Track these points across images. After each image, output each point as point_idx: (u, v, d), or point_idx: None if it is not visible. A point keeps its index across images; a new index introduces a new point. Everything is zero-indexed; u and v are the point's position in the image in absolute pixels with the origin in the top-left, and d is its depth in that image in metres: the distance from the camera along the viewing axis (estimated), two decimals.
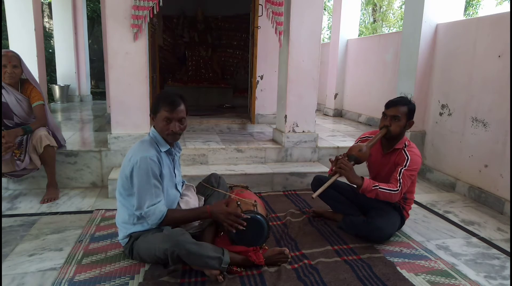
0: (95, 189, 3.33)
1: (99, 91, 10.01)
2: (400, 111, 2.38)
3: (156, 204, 1.92)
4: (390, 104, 2.43)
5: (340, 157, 2.35)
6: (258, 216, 2.10)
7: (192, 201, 2.19)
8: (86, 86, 7.94)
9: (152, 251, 1.92)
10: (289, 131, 3.82)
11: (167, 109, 1.97)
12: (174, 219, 1.97)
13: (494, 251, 2.40)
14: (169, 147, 2.07)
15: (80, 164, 3.35)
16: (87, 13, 8.58)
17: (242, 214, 2.00)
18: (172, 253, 1.81)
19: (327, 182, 2.29)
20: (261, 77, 5.21)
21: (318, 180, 2.75)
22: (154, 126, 2.06)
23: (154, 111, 2.03)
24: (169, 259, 1.85)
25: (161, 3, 3.24)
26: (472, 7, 14.16)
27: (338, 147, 3.96)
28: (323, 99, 6.90)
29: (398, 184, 2.28)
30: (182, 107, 2.00)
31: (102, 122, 5.02)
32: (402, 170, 2.32)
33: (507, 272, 2.15)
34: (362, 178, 2.29)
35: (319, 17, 3.72)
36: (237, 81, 7.56)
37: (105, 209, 2.84)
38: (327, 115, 6.70)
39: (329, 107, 6.73)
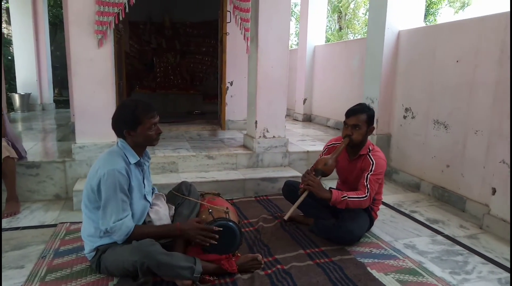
0: (59, 202, 3.19)
1: (62, 99, 9.65)
2: (360, 119, 2.44)
3: (123, 219, 1.86)
4: (349, 113, 2.49)
5: (307, 172, 2.40)
6: (230, 224, 2.08)
7: (162, 210, 2.14)
8: (48, 94, 7.63)
9: (121, 264, 1.86)
10: (260, 136, 3.83)
11: (150, 115, 1.96)
12: (142, 235, 1.90)
13: (458, 247, 2.51)
14: (139, 158, 2.03)
15: (42, 176, 3.21)
16: (49, 19, 8.27)
17: (213, 228, 1.97)
18: (141, 265, 1.76)
19: (297, 201, 2.35)
20: (231, 83, 5.21)
21: (289, 185, 2.79)
22: (131, 140, 1.98)
23: (132, 126, 1.93)
24: (139, 271, 1.79)
25: (127, 9, 3.18)
26: (431, 15, 14.84)
27: (308, 151, 4.01)
28: (292, 104, 6.99)
29: (366, 190, 2.35)
30: None
31: (66, 132, 4.84)
32: (369, 175, 2.38)
33: (470, 267, 2.25)
34: (331, 191, 2.34)
35: (287, 24, 3.78)
36: (206, 87, 7.54)
37: (70, 222, 2.72)
38: (297, 120, 6.79)
39: (299, 112, 6.82)
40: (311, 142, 4.59)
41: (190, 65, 7.67)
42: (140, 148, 2.04)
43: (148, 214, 2.10)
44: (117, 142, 2.03)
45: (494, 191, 2.76)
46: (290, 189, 2.75)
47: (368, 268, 2.17)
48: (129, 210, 1.92)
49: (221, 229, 1.99)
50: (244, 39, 3.84)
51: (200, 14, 7.35)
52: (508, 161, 2.63)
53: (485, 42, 3.00)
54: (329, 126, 6.02)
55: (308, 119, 6.71)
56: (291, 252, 2.33)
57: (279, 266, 2.15)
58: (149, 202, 2.12)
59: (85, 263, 2.13)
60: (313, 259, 2.26)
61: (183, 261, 1.84)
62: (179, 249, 2.01)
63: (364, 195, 2.34)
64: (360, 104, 2.57)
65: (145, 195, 2.09)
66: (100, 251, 1.98)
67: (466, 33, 3.20)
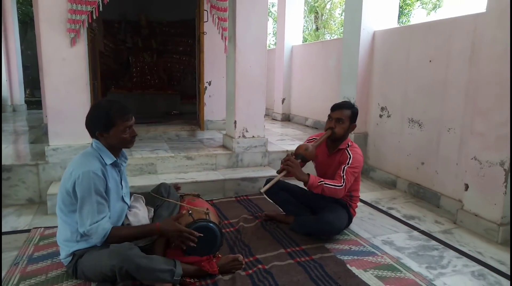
0: (32, 206, 3.08)
1: (34, 100, 9.31)
2: (344, 114, 2.52)
3: (99, 221, 1.81)
4: (335, 107, 2.57)
5: (288, 155, 2.44)
6: (211, 225, 2.07)
7: (141, 213, 2.10)
8: (19, 95, 7.36)
9: (98, 268, 1.81)
10: (239, 136, 3.82)
11: (126, 118, 1.90)
12: (120, 236, 1.86)
13: (434, 242, 2.58)
14: (115, 159, 1.98)
15: (14, 180, 3.09)
16: (18, 17, 7.97)
17: (194, 232, 1.94)
18: (120, 269, 1.72)
19: (275, 178, 2.37)
20: (209, 83, 5.18)
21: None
22: (105, 142, 1.93)
23: (105, 128, 1.88)
24: (117, 276, 1.75)
25: (100, 8, 3.10)
26: (404, 16, 15.21)
27: (287, 150, 4.03)
28: (271, 104, 7.02)
29: (342, 180, 2.40)
30: None
31: (39, 133, 4.68)
32: (345, 167, 2.44)
33: (445, 261, 2.32)
34: (308, 174, 2.39)
35: (264, 23, 3.78)
36: (184, 87, 7.45)
37: (44, 227, 2.63)
38: (276, 120, 6.82)
39: (277, 112, 6.85)
40: (290, 141, 4.62)
41: (167, 64, 7.56)
42: (115, 150, 1.99)
43: (126, 216, 2.06)
44: (92, 143, 1.98)
45: (466, 187, 2.85)
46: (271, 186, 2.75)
47: (348, 265, 2.20)
48: (106, 212, 1.87)
49: (202, 235, 1.97)
50: (222, 38, 3.82)
51: (177, 13, 7.26)
52: (481, 158, 2.73)
53: (456, 42, 3.10)
54: (307, 126, 6.08)
55: (287, 118, 6.75)
56: (272, 251, 2.34)
57: (260, 266, 2.15)
58: (127, 204, 2.08)
59: (61, 268, 2.07)
60: (294, 258, 2.27)
61: (162, 264, 1.81)
62: (158, 252, 1.98)
63: (340, 184, 2.38)
64: (346, 101, 2.67)
65: (122, 196, 2.04)
66: (76, 256, 1.92)
67: (438, 33, 3.29)
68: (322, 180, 2.37)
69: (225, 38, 3.80)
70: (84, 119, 1.94)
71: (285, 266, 2.16)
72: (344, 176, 2.41)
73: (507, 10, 2.47)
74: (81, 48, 3.13)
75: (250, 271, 2.10)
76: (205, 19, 4.43)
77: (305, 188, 2.43)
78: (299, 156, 2.44)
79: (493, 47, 2.60)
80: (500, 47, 2.54)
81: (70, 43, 3.06)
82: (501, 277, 2.14)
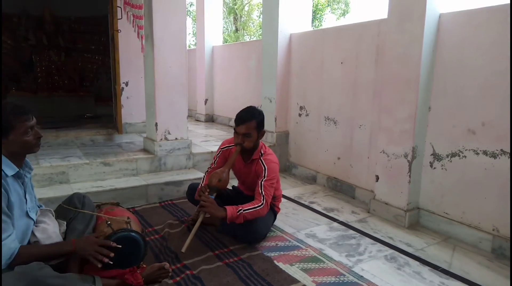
0: None
1: None
2: (250, 127, 2.42)
3: (4, 240, 1.60)
4: (239, 122, 2.44)
5: (202, 190, 2.35)
6: (133, 234, 1.94)
7: (50, 228, 1.89)
8: None
9: None
10: (161, 139, 3.68)
11: (25, 118, 1.71)
12: (30, 256, 1.65)
13: (351, 232, 2.77)
14: (18, 169, 1.76)
15: None
16: None
17: (111, 243, 1.80)
18: None
19: (194, 227, 2.24)
20: (126, 84, 4.91)
21: (193, 189, 2.74)
22: (4, 150, 1.70)
23: (3, 133, 1.67)
24: None
25: None
26: (317, 20, 16.15)
27: (212, 152, 4.00)
28: (194, 105, 6.91)
29: (262, 198, 2.38)
30: None
31: None
32: (263, 182, 2.41)
33: (362, 248, 2.50)
34: (225, 208, 2.30)
35: (183, 22, 3.69)
36: (98, 88, 6.97)
37: None
38: (199, 121, 6.73)
39: (201, 113, 6.77)
40: (215, 142, 4.59)
41: (78, 64, 6.98)
42: (17, 158, 1.77)
43: (33, 233, 1.84)
44: None
45: (377, 178, 3.11)
46: (194, 192, 2.70)
47: (275, 261, 2.26)
48: (11, 229, 1.65)
49: (120, 246, 1.83)
50: (138, 37, 3.64)
51: (86, 8, 6.74)
52: (388, 151, 3.00)
53: (363, 45, 3.37)
54: (231, 126, 6.10)
55: (210, 119, 6.70)
56: (200, 255, 2.30)
57: (188, 272, 2.09)
58: (32, 219, 1.86)
59: None
60: (222, 259, 2.26)
61: (79, 282, 1.65)
62: (73, 269, 1.80)
63: (260, 204, 2.36)
64: (248, 110, 2.52)
65: (27, 211, 1.82)
66: None
67: (348, 37, 3.54)
68: (240, 208, 2.31)
69: (142, 37, 3.63)
70: None
71: (214, 269, 2.14)
72: (263, 192, 2.38)
73: (404, 17, 2.76)
74: None
75: (178, 278, 2.03)
76: (119, 16, 4.18)
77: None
78: (214, 189, 2.35)
79: (394, 50, 2.88)
80: (399, 50, 2.82)
81: None
82: (409, 258, 2.38)
